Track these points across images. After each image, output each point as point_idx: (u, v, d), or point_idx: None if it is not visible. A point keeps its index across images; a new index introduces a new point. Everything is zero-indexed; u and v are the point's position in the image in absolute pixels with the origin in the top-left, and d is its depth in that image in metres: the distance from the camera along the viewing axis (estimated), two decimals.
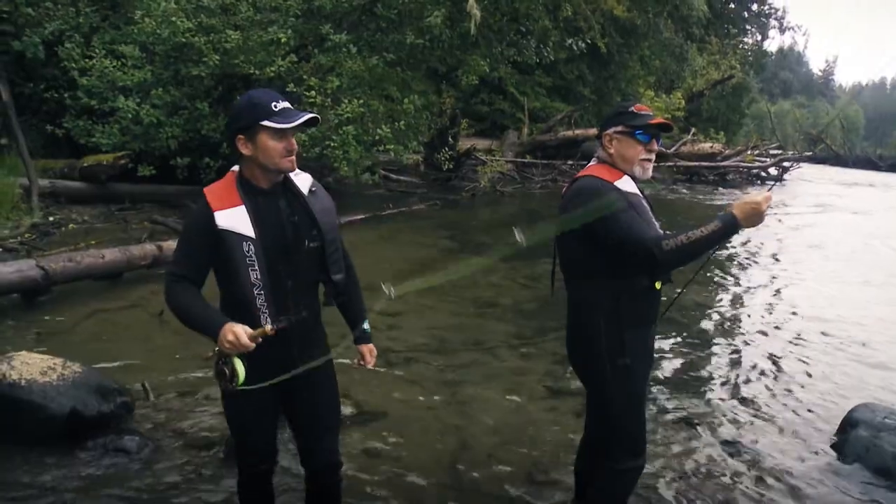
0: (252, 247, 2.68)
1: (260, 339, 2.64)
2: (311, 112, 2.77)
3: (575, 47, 21.04)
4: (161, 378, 5.36)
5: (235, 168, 2.81)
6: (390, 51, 14.22)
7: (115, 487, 3.89)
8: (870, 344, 7.36)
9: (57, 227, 10.67)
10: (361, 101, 12.39)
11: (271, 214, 2.76)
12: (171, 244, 8.58)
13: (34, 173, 11.23)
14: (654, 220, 3.04)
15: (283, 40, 12.56)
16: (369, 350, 3.16)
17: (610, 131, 3.15)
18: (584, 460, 3.58)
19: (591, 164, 3.23)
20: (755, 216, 2.78)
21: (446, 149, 17.68)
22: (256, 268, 2.69)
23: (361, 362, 3.15)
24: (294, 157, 2.76)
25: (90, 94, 12.12)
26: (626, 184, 3.04)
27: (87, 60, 12.30)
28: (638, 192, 3.07)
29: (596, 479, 3.35)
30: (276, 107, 2.67)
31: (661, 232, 2.93)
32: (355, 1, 13.96)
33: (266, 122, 2.65)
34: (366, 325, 3.15)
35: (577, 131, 23.85)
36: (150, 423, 4.65)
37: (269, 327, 2.67)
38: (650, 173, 3.17)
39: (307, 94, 12.28)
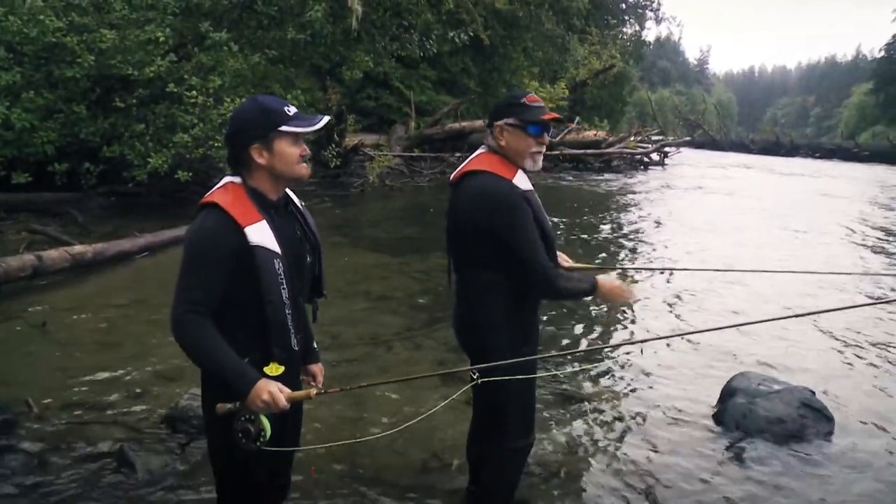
0: (281, 264, 2.51)
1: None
2: (324, 115, 2.69)
3: (458, 40, 21.25)
4: (46, 392, 5.15)
5: (234, 179, 2.60)
6: (272, 48, 14.10)
7: None
8: (742, 313, 7.74)
9: None
10: (245, 100, 12.20)
11: (286, 229, 2.62)
12: (51, 253, 8.27)
13: None
14: (546, 215, 3.15)
15: (161, 39, 12.24)
16: (321, 369, 3.08)
17: (501, 122, 3.12)
18: (475, 446, 3.64)
19: (480, 152, 3.23)
20: (614, 298, 3.27)
21: (333, 145, 17.60)
22: (286, 286, 2.53)
23: (313, 382, 3.02)
24: (306, 164, 2.64)
25: None
26: (521, 181, 3.08)
27: None
28: (532, 188, 3.13)
29: (488, 461, 3.44)
30: (289, 111, 2.55)
31: (553, 266, 3.10)
32: None
33: (285, 128, 2.52)
34: (315, 343, 3.08)
35: (464, 123, 24.08)
36: (36, 440, 4.47)
37: (313, 391, 2.57)
38: (540, 165, 3.20)
39: (188, 93, 12.04)
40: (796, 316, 3.64)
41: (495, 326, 3.17)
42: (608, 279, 3.21)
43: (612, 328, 7.46)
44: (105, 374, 5.59)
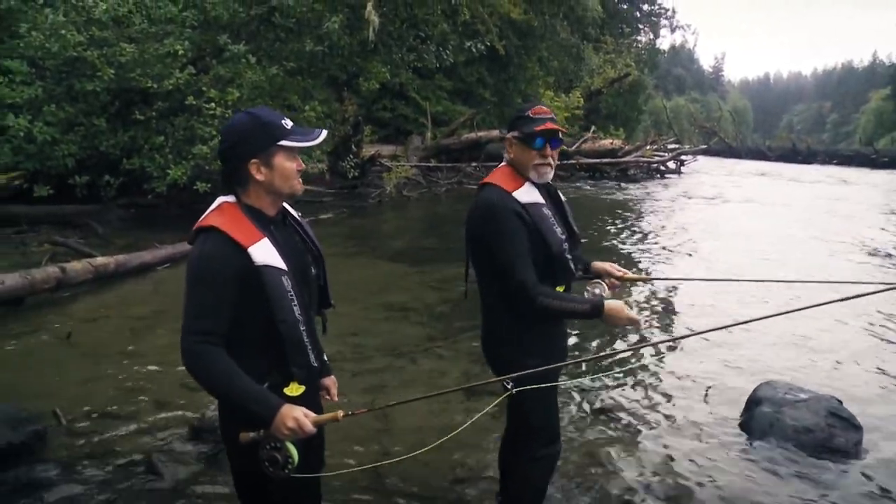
0: (289, 281, 2.41)
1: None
2: (322, 130, 2.59)
3: (474, 50, 21.26)
4: (73, 402, 5.21)
5: (228, 199, 2.48)
6: (290, 59, 14.15)
7: None
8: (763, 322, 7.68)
9: None
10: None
11: (288, 243, 2.52)
12: (75, 265, 8.33)
13: None
14: (556, 226, 3.12)
15: (179, 52, 12.37)
16: (334, 382, 2.96)
17: (509, 135, 3.21)
18: (506, 456, 3.64)
19: (500, 165, 3.29)
20: (617, 321, 3.08)
21: (351, 156, 17.62)
22: (297, 303, 2.42)
23: (328, 396, 2.93)
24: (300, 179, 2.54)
25: None
26: (525, 194, 3.10)
27: None
28: (539, 201, 3.13)
29: (515, 471, 3.46)
30: (286, 124, 2.45)
31: (536, 281, 3.02)
32: (252, 10, 13.85)
33: (285, 142, 2.43)
34: (325, 356, 2.90)
35: (480, 133, 24.06)
36: (65, 450, 4.52)
37: (340, 413, 2.44)
38: (549, 177, 3.19)
39: (207, 105, 12.13)
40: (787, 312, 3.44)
41: (505, 337, 3.22)
42: (615, 303, 3.09)
43: (628, 337, 7.43)
44: (130, 385, 5.63)
